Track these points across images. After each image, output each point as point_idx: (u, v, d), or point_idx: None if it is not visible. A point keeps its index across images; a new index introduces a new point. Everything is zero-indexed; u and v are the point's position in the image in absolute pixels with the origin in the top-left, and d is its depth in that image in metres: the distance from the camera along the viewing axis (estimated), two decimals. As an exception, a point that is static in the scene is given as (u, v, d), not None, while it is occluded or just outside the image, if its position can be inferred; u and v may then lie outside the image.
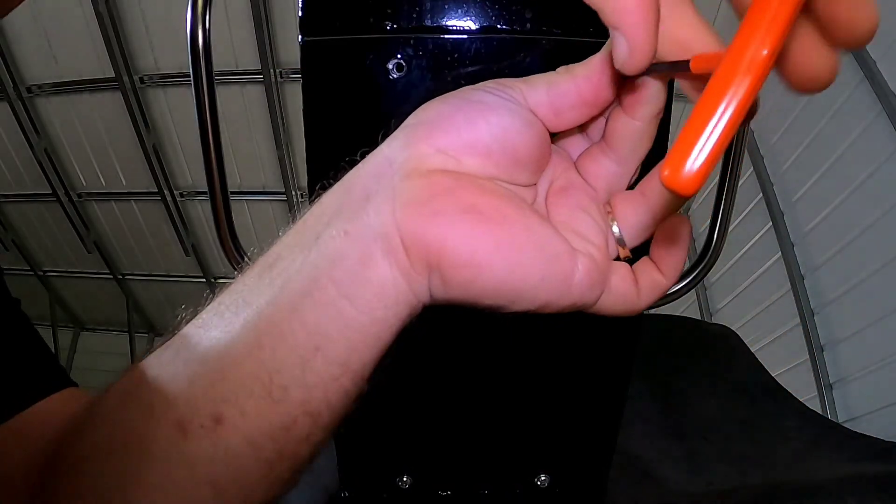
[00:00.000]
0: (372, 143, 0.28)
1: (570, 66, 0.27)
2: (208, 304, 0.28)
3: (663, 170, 0.19)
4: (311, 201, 0.29)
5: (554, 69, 0.28)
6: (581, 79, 0.27)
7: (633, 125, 0.27)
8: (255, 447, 0.25)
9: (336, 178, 0.28)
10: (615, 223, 0.28)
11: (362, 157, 0.28)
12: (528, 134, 0.26)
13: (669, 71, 0.25)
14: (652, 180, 0.28)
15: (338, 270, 0.25)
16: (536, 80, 0.28)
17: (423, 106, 0.28)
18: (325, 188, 0.29)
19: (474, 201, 0.25)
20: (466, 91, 0.27)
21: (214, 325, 0.26)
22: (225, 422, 0.25)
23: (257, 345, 0.25)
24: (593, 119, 0.29)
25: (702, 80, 0.23)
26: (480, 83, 0.28)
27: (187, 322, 0.28)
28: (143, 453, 0.25)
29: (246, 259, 0.29)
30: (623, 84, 0.27)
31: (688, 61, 0.23)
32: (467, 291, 0.25)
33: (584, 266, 0.26)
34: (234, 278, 0.28)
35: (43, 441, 0.31)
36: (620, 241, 0.28)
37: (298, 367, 0.25)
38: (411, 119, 0.27)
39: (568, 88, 0.27)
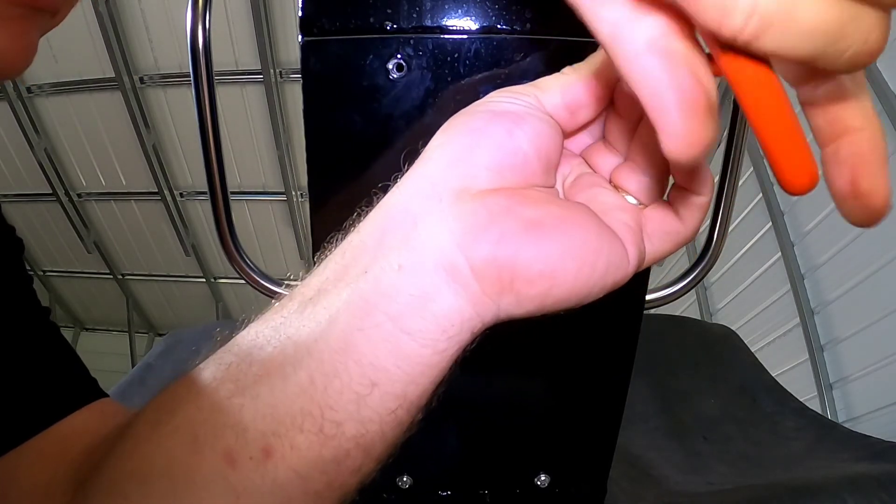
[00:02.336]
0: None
1: (575, 66, 0.28)
2: (241, 330, 0.28)
3: (785, 183, 0.20)
4: (317, 259, 0.28)
5: (554, 69, 0.29)
6: (590, 77, 0.27)
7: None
8: (304, 479, 0.25)
9: (360, 218, 0.27)
10: (625, 195, 0.29)
11: (379, 195, 0.27)
12: (556, 138, 0.27)
13: None
14: (636, 144, 0.29)
15: (394, 305, 0.24)
16: (546, 84, 0.28)
17: (448, 125, 0.27)
18: (333, 241, 0.28)
19: (532, 215, 0.25)
20: (487, 104, 0.27)
21: (258, 361, 0.26)
22: (274, 454, 0.24)
23: (309, 382, 0.24)
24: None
25: None
26: (492, 93, 0.28)
27: (222, 347, 0.28)
28: (187, 481, 0.25)
29: (282, 289, 0.28)
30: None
31: None
32: (542, 302, 0.25)
33: (624, 234, 0.27)
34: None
35: (77, 453, 0.31)
36: (640, 205, 0.29)
37: (353, 402, 0.24)
38: (444, 138, 0.27)
39: (580, 88, 0.27)
